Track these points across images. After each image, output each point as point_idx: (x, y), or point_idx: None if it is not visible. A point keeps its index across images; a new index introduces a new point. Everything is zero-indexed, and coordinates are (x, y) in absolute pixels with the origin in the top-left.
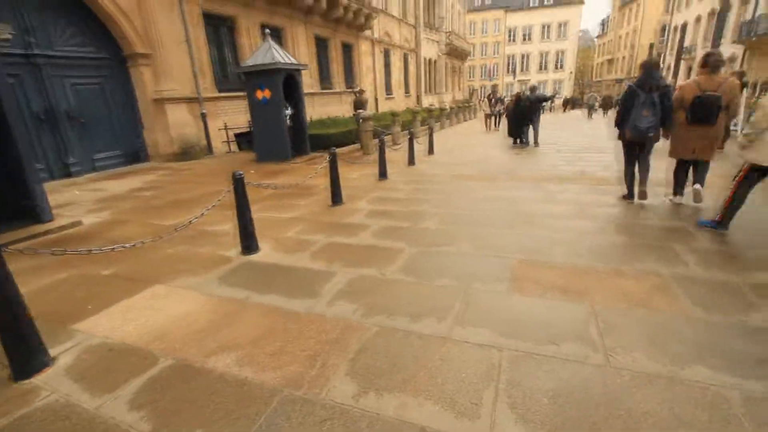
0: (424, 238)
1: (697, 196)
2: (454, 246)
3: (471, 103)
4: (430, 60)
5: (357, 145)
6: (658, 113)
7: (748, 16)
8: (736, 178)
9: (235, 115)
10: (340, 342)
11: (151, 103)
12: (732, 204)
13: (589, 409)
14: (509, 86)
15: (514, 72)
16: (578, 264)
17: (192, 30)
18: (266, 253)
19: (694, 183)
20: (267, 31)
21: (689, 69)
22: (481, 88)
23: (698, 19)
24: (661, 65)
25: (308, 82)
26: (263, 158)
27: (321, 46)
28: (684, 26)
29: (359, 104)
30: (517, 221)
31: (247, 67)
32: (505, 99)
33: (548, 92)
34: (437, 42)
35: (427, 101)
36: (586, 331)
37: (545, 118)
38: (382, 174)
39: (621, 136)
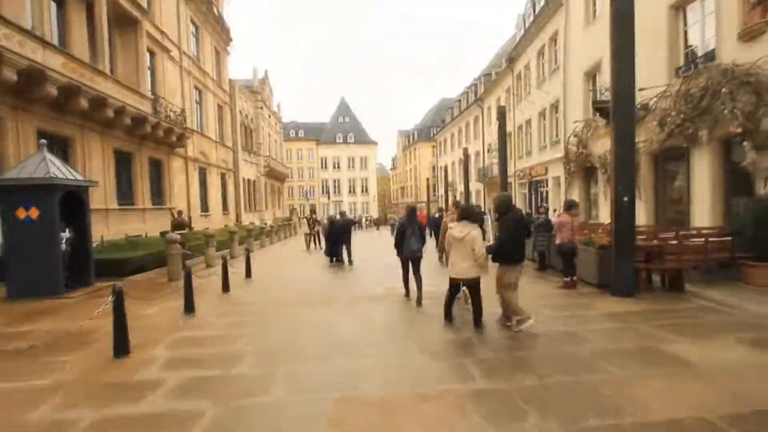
0: (234, 388)
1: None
2: (269, 393)
3: (291, 221)
4: (249, 180)
5: (162, 270)
6: (420, 240)
7: (481, 165)
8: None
9: None
10: None
11: None
12: (448, 304)
13: None
14: (325, 206)
15: (328, 193)
16: (391, 394)
17: None
18: None
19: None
20: (43, 141)
21: (455, 197)
22: (301, 206)
23: (453, 164)
24: (435, 194)
25: (102, 197)
26: (20, 294)
27: (123, 160)
28: (446, 168)
29: (179, 225)
30: (334, 351)
31: (5, 180)
32: (323, 220)
33: (358, 212)
34: (256, 164)
35: (247, 219)
36: None
37: (359, 236)
38: (189, 307)
39: (399, 254)
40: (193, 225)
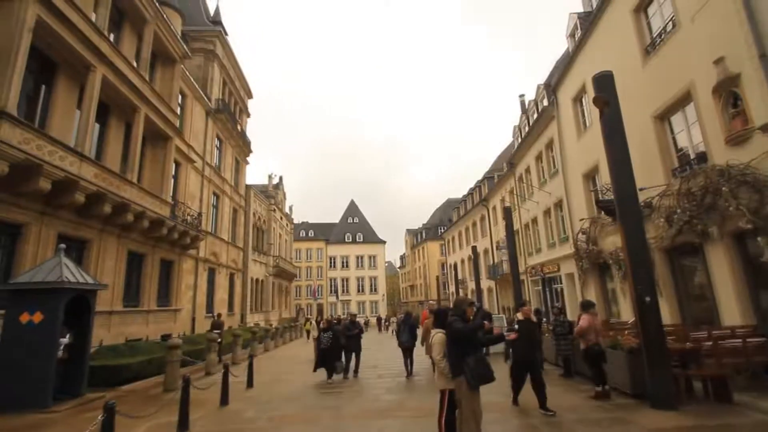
0: None
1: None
2: None
3: (298, 322)
4: (257, 279)
5: (159, 377)
6: (410, 335)
7: (490, 262)
8: None
9: None
10: None
11: None
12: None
13: None
14: (333, 305)
15: (336, 293)
16: None
17: None
18: None
19: None
20: (62, 246)
21: (466, 294)
22: (308, 306)
23: (462, 261)
24: (445, 292)
25: (109, 299)
26: (4, 406)
27: (135, 261)
28: (455, 265)
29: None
30: None
31: (18, 284)
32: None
33: (367, 311)
34: (265, 264)
35: (253, 319)
36: None
37: (369, 336)
38: (183, 424)
39: (399, 345)
40: (194, 327)
